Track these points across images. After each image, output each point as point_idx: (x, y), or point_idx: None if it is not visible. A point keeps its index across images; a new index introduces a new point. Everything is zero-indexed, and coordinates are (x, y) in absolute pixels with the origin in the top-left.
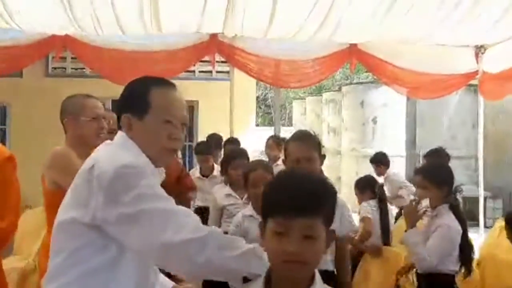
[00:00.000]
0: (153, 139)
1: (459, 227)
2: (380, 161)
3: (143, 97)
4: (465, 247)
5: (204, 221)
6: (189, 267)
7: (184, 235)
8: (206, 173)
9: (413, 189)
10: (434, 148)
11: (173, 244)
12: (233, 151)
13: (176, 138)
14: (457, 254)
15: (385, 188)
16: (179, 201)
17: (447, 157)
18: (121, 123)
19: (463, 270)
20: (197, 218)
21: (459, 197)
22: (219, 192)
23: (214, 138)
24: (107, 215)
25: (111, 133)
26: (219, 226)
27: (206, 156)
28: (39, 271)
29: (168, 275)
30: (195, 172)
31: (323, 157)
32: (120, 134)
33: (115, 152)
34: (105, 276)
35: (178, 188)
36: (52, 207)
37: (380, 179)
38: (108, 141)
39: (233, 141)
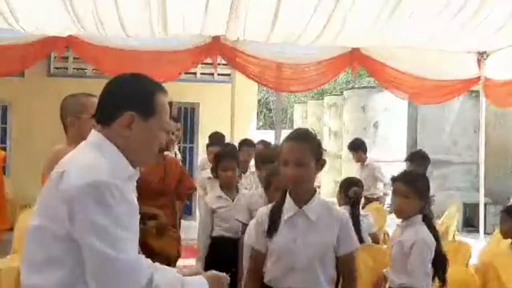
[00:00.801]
0: (149, 142)
1: (433, 240)
2: (359, 147)
3: (152, 99)
4: (439, 259)
5: None
6: None
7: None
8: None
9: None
10: (416, 151)
11: (111, 259)
12: (222, 152)
13: (163, 147)
14: (430, 267)
15: (361, 174)
16: (178, 201)
17: (428, 160)
18: (113, 120)
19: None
20: (143, 273)
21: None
22: (210, 194)
23: (216, 137)
24: (74, 229)
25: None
26: (211, 230)
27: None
28: None
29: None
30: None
31: (322, 162)
32: (95, 134)
33: (88, 157)
34: None
35: (178, 189)
36: None
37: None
38: (82, 143)
39: (249, 144)
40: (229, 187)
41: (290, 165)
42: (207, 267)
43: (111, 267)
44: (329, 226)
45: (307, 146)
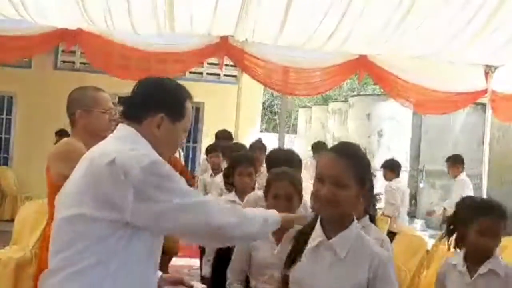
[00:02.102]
0: (173, 143)
1: None
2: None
3: (183, 104)
4: None
5: None
6: (227, 241)
7: (227, 218)
8: None
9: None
10: (389, 159)
11: (221, 226)
12: (238, 157)
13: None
14: None
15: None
16: None
17: (399, 168)
18: (144, 119)
19: None
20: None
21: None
22: (222, 198)
23: (223, 135)
24: (141, 212)
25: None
26: None
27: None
28: (38, 263)
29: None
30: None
31: (368, 187)
32: (128, 129)
33: (129, 147)
34: (113, 267)
35: None
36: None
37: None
38: (114, 135)
39: (261, 147)
40: (245, 192)
41: (326, 184)
42: (213, 271)
43: (201, 208)
44: (360, 265)
45: (351, 163)
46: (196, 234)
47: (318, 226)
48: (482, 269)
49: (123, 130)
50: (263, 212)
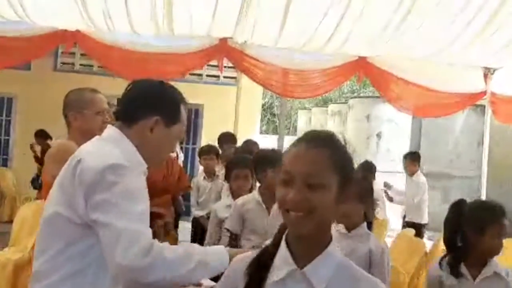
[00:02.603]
0: (166, 148)
1: None
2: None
3: (178, 108)
4: None
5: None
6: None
7: (130, 260)
8: None
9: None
10: (364, 161)
11: (121, 266)
12: (235, 160)
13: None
14: None
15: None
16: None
17: (374, 168)
18: (137, 122)
19: None
20: (146, 238)
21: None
22: (219, 204)
23: (226, 138)
24: (90, 210)
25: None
26: (218, 240)
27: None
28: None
29: None
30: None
31: (350, 187)
32: (113, 130)
33: (105, 148)
34: (96, 273)
35: (177, 186)
36: None
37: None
38: (100, 136)
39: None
40: (241, 195)
41: (295, 185)
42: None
43: (111, 235)
44: None
45: (328, 154)
46: (108, 259)
47: (284, 250)
48: (486, 272)
49: (108, 131)
50: (207, 254)
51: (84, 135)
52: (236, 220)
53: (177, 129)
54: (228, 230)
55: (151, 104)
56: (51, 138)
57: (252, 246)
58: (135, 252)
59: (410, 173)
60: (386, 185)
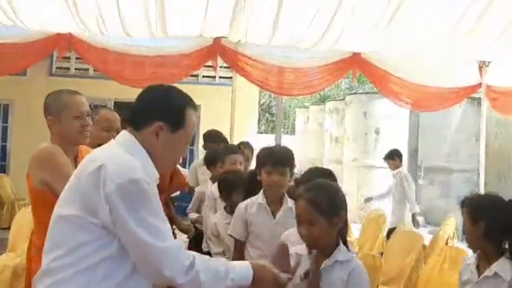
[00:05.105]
0: (174, 153)
1: None
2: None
3: (183, 113)
4: None
5: None
6: None
7: (177, 276)
8: None
9: None
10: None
11: (155, 247)
12: (230, 179)
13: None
14: None
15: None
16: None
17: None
18: (144, 128)
19: None
20: (185, 255)
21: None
22: (216, 216)
23: (210, 136)
24: (114, 220)
25: (110, 131)
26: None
27: None
28: (27, 271)
29: None
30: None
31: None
32: (127, 135)
33: (124, 157)
34: (106, 270)
35: (171, 185)
36: (40, 208)
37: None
38: (116, 140)
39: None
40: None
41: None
42: None
43: (156, 254)
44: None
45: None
46: (146, 271)
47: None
48: (488, 272)
49: (124, 136)
50: (232, 267)
51: (64, 139)
52: (239, 225)
53: (184, 134)
54: (232, 236)
55: (155, 109)
56: None
57: (260, 255)
58: (174, 268)
59: (394, 167)
60: (368, 200)
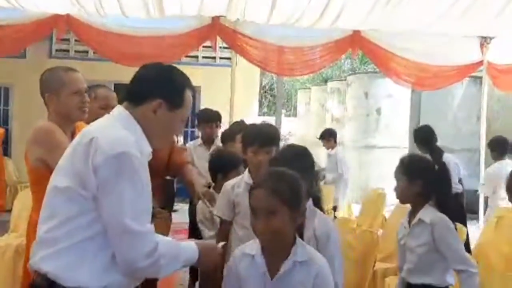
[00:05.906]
0: (170, 131)
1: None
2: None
3: (182, 92)
4: None
5: None
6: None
7: (134, 259)
8: None
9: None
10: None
11: (125, 261)
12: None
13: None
14: None
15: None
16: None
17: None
18: (142, 103)
19: None
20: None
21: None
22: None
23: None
24: (99, 191)
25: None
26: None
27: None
28: (27, 247)
29: None
30: None
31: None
32: (121, 110)
33: (117, 130)
34: (101, 243)
35: (169, 164)
36: (37, 185)
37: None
38: (111, 114)
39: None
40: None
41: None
42: None
43: (127, 236)
44: None
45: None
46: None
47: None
48: (414, 221)
49: (118, 110)
50: (183, 250)
51: (62, 116)
52: (226, 205)
53: (181, 113)
54: (217, 215)
55: (156, 87)
56: None
57: (247, 234)
58: (139, 253)
59: (330, 147)
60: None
